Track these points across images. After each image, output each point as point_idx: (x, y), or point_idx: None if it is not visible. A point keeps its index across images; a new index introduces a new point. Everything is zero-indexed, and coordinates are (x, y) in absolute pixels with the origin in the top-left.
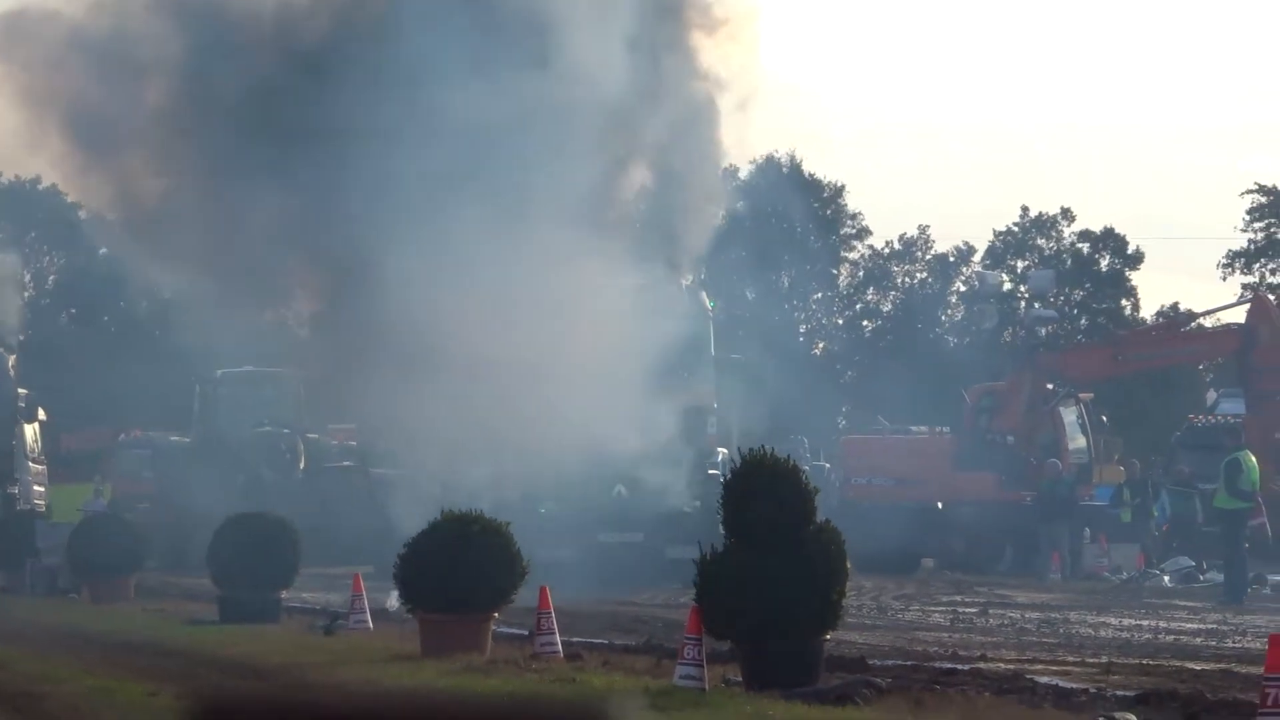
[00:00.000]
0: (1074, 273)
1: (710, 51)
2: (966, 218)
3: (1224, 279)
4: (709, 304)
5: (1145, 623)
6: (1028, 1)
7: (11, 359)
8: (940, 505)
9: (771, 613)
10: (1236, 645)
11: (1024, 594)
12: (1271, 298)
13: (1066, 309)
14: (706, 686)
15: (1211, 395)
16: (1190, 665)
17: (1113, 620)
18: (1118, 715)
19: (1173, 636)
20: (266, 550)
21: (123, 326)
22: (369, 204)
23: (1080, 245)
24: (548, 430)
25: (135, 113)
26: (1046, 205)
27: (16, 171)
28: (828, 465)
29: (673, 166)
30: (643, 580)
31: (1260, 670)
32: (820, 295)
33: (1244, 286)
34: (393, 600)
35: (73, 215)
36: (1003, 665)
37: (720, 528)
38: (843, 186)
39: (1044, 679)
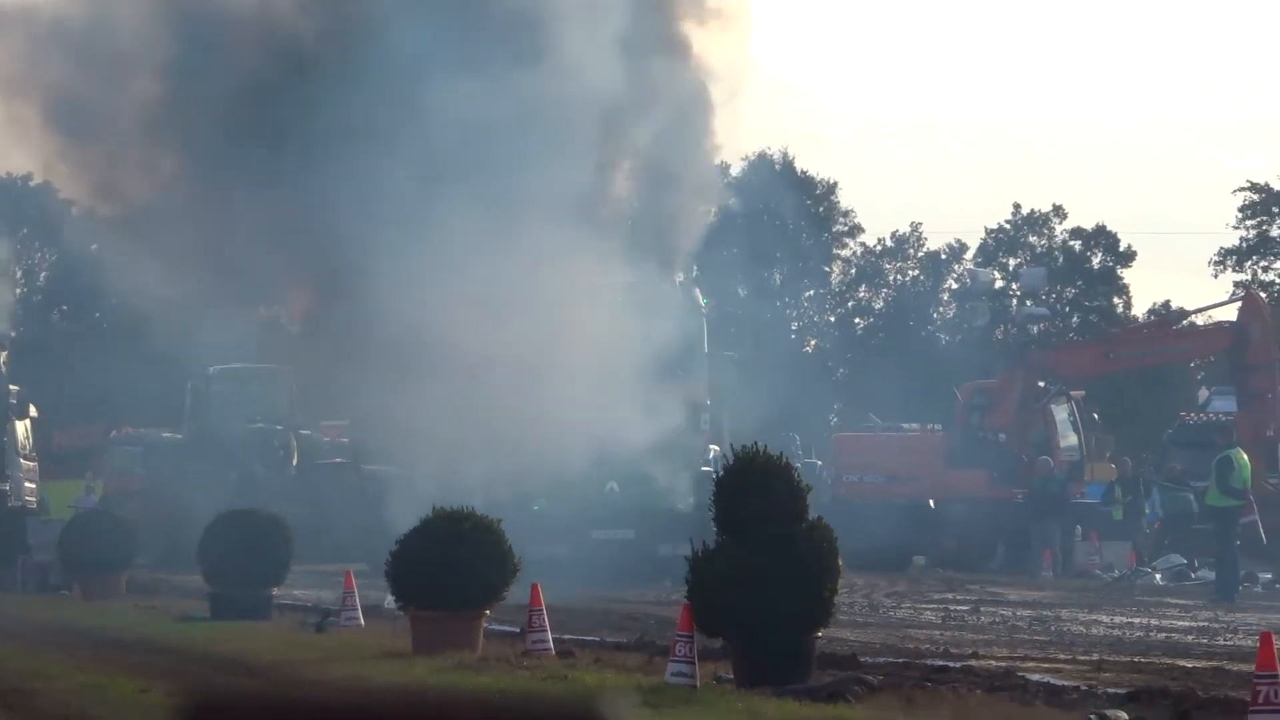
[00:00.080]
0: (1066, 270)
1: (702, 43)
2: (958, 215)
3: (1216, 276)
4: (702, 301)
5: (1137, 620)
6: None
7: (3, 355)
8: (932, 503)
9: (763, 610)
10: (1228, 643)
11: (1015, 591)
12: (1263, 295)
13: (1058, 306)
14: (698, 684)
15: (1203, 393)
16: (1181, 663)
17: (1104, 618)
18: (1109, 713)
19: (1164, 634)
20: (258, 547)
21: (114, 323)
22: (360, 202)
23: (1072, 243)
24: (540, 427)
25: (119, 109)
26: (1038, 203)
27: (7, 169)
28: (820, 462)
29: (665, 163)
30: (635, 577)
31: (1252, 668)
32: (812, 292)
33: (1236, 284)
34: (390, 600)
35: (65, 211)
36: (994, 663)
37: (712, 525)
38: (835, 184)
39: (1035, 676)
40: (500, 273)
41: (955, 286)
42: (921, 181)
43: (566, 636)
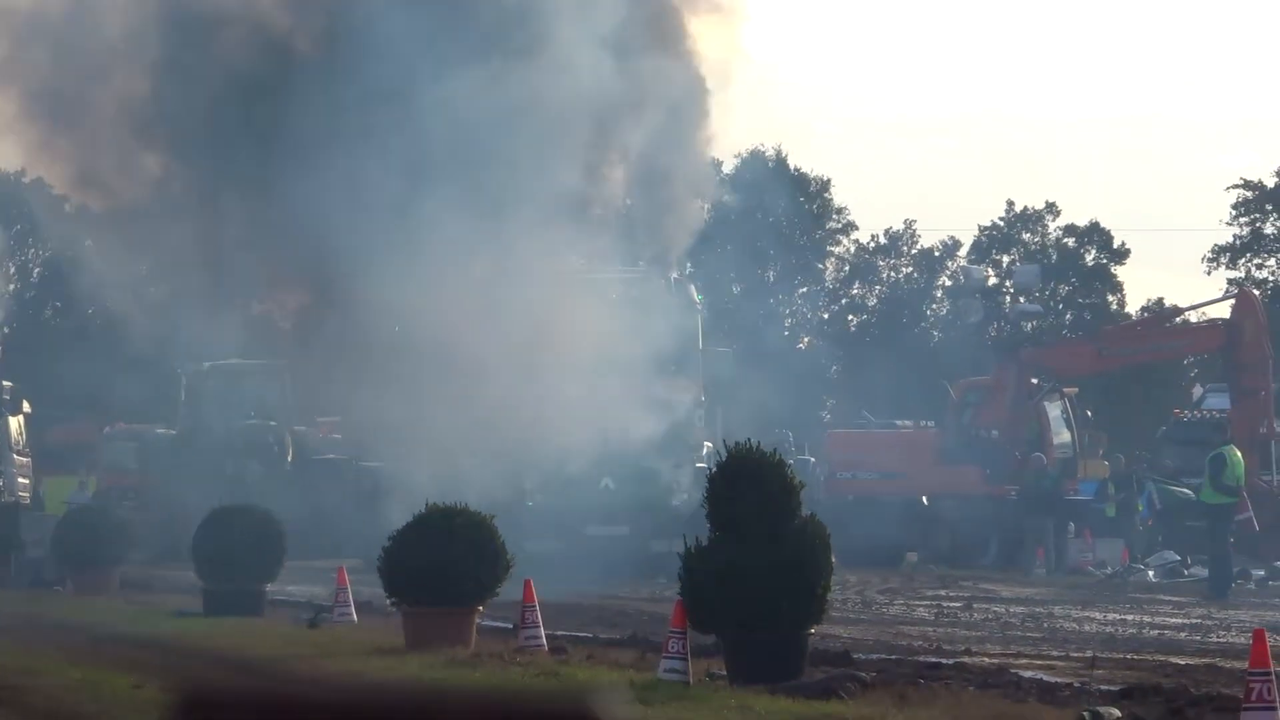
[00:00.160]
0: (1059, 267)
1: (695, 39)
2: (952, 212)
3: (1209, 274)
4: (697, 298)
5: (1130, 617)
6: None
7: None
8: (925, 499)
9: (756, 606)
10: (1221, 640)
11: (1008, 588)
12: (1256, 292)
13: (1051, 304)
14: (691, 680)
15: (1197, 390)
16: (1174, 660)
17: (1097, 615)
18: (1102, 709)
19: (1157, 631)
20: (252, 543)
21: (107, 320)
22: (350, 199)
23: (1065, 240)
24: (534, 424)
25: (103, 104)
26: (1032, 200)
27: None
28: (813, 459)
29: (658, 160)
30: (628, 574)
31: (1244, 665)
32: (806, 289)
33: (1229, 281)
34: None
35: (57, 207)
36: (987, 659)
37: (705, 521)
38: (829, 181)
39: (1028, 673)
40: (493, 270)
41: (949, 284)
42: (915, 178)
43: (560, 633)
